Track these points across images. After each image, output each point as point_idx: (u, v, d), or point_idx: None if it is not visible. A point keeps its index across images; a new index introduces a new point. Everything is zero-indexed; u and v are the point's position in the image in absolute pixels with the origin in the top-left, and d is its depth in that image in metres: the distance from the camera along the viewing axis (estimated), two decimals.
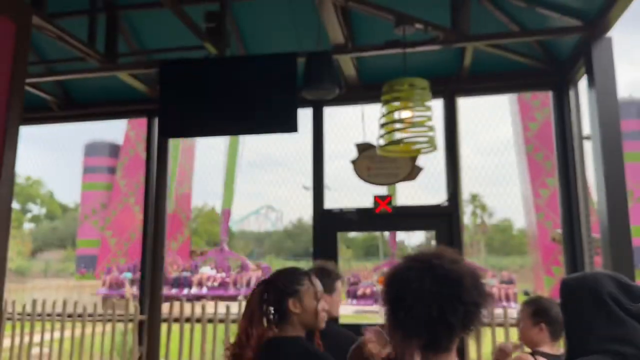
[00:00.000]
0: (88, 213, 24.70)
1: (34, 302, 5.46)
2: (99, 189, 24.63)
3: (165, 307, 5.19)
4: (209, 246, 34.95)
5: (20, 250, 36.89)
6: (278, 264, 35.89)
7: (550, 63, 4.24)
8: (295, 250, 42.35)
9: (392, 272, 1.37)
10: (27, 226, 44.11)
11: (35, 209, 46.14)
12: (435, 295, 1.25)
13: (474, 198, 38.50)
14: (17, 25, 2.97)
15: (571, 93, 4.23)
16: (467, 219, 39.25)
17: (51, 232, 40.78)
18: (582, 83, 3.89)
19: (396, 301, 1.31)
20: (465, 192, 37.21)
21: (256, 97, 3.78)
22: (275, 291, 1.94)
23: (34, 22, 3.19)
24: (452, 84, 4.41)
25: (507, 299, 16.72)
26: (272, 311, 1.95)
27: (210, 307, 5.26)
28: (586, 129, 3.97)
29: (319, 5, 3.21)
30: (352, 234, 38.00)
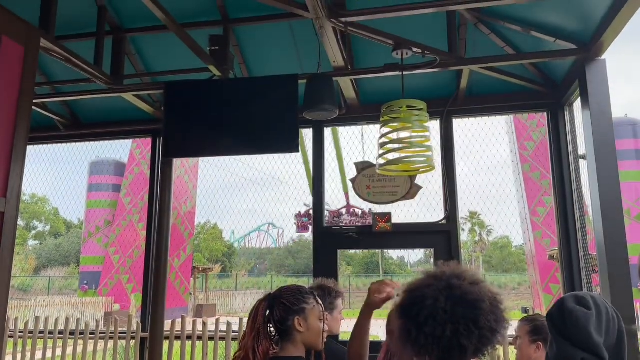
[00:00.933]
0: (92, 230, 24.75)
1: (37, 319, 5.51)
2: (104, 206, 24.71)
3: (167, 324, 5.22)
4: (211, 263, 34.89)
5: (23, 267, 36.89)
6: (279, 281, 35.74)
7: (546, 85, 4.33)
8: (296, 267, 42.19)
9: (410, 287, 1.34)
10: (31, 243, 44.20)
11: (40, 226, 46.29)
12: (450, 315, 1.22)
13: (473, 215, 38.43)
14: (25, 47, 3.07)
15: (566, 114, 4.31)
16: (465, 236, 39.17)
17: (55, 249, 40.82)
18: (577, 104, 3.97)
19: (410, 316, 1.28)
20: (464, 209, 37.15)
21: (258, 117, 3.86)
22: (282, 308, 1.92)
23: (42, 44, 3.29)
24: (449, 105, 4.50)
25: None
26: (275, 328, 1.93)
27: (211, 324, 5.29)
28: (582, 149, 4.04)
29: (320, 30, 3.31)
30: (352, 251, 37.91)
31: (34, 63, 3.15)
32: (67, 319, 5.54)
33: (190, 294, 24.22)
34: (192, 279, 24.44)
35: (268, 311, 1.93)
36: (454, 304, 1.23)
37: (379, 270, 39.65)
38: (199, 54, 3.72)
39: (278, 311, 1.92)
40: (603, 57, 3.60)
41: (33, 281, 34.92)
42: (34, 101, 4.13)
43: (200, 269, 25.51)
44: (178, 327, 5.14)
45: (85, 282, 24.32)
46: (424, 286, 1.30)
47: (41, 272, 37.93)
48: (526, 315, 2.99)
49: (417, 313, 1.26)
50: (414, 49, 3.67)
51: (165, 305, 4.79)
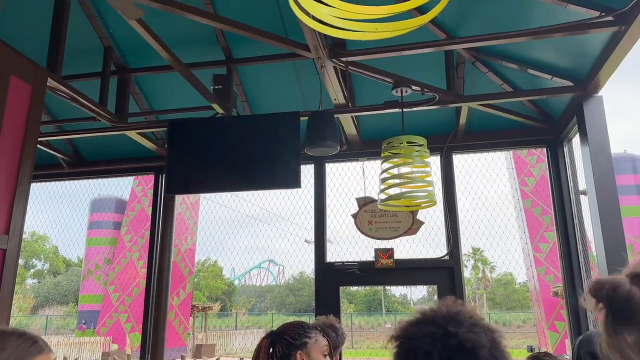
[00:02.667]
0: (92, 268, 24.55)
1: None
2: (104, 244, 24.60)
3: None
4: (210, 301, 34.44)
5: (21, 307, 36.43)
6: (280, 319, 35.20)
7: (544, 121, 4.38)
8: (297, 305, 41.61)
9: (403, 333, 1.23)
10: (30, 282, 43.77)
11: (39, 265, 45.96)
12: None
13: (475, 252, 38.18)
14: (32, 87, 3.13)
15: (566, 149, 4.35)
16: (468, 272, 38.80)
17: (54, 287, 40.40)
18: (576, 139, 4.02)
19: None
20: (467, 246, 36.96)
21: (260, 154, 3.91)
22: (284, 343, 1.93)
23: (49, 84, 3.36)
24: (448, 141, 4.55)
25: None
26: None
27: None
28: (582, 184, 4.05)
29: (321, 69, 3.38)
30: (354, 288, 37.47)
31: (41, 102, 3.21)
32: (65, 359, 5.44)
33: (189, 333, 23.82)
34: (191, 318, 24.08)
35: (271, 348, 1.94)
36: (450, 354, 1.13)
37: (382, 309, 39.10)
38: (203, 92, 3.79)
39: (280, 347, 1.93)
40: (600, 93, 3.66)
41: (30, 321, 34.40)
42: (38, 139, 4.19)
43: (200, 307, 25.15)
44: None
45: (84, 321, 23.96)
46: (419, 335, 1.19)
47: (39, 312, 37.42)
48: (532, 353, 2.94)
49: None
50: (413, 87, 3.74)
51: (165, 345, 4.73)
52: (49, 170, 5.38)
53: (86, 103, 3.80)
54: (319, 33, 3.07)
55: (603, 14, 2.88)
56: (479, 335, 1.15)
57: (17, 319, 33.43)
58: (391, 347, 1.23)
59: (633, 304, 0.85)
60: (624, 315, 0.85)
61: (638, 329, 0.84)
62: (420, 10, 2.91)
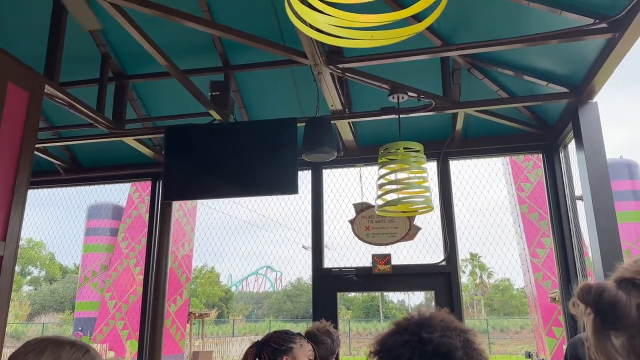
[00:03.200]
0: (88, 275, 24.46)
1: None
2: (101, 250, 24.52)
3: None
4: (208, 308, 34.31)
5: (17, 314, 36.22)
6: (277, 326, 35.07)
7: (540, 127, 4.41)
8: (294, 312, 41.48)
9: (380, 345, 1.28)
10: (26, 289, 43.55)
11: (35, 272, 45.73)
12: None
13: (473, 258, 38.18)
14: (30, 93, 3.14)
15: (562, 155, 4.37)
16: (466, 278, 38.78)
17: (50, 294, 40.19)
18: (572, 145, 4.04)
19: None
20: (465, 251, 36.94)
21: (257, 160, 3.92)
22: (269, 350, 1.97)
23: (47, 90, 3.37)
24: (445, 147, 4.57)
25: None
26: None
27: None
28: (578, 190, 4.07)
29: (318, 75, 3.40)
30: (352, 295, 37.39)
31: (38, 109, 3.21)
32: None
33: (187, 340, 23.70)
34: (188, 324, 23.99)
35: (257, 358, 1.98)
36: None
37: (379, 315, 39.02)
38: (200, 99, 3.81)
39: (266, 354, 1.97)
40: (595, 99, 3.69)
41: (27, 328, 34.20)
42: (36, 145, 4.19)
43: (197, 314, 25.06)
44: None
45: (80, 328, 23.83)
46: (396, 344, 1.23)
47: (35, 319, 37.21)
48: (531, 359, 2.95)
49: None
50: (410, 93, 3.76)
51: (162, 352, 4.71)
52: (46, 177, 5.37)
53: (83, 109, 3.81)
54: (316, 40, 3.09)
55: (597, 21, 2.90)
56: (452, 338, 1.19)
57: (13, 327, 33.23)
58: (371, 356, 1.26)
59: (619, 308, 0.87)
60: (610, 320, 0.88)
61: (624, 332, 0.86)
62: (416, 17, 2.94)
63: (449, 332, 1.21)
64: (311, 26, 1.69)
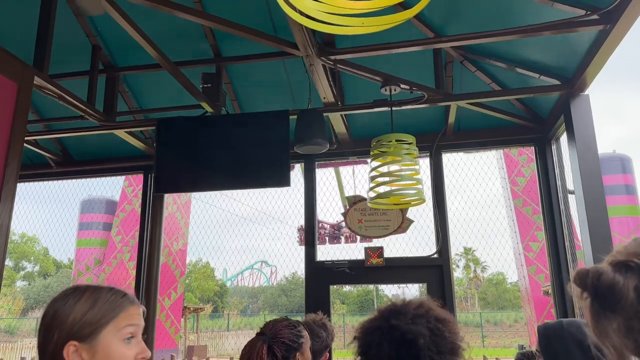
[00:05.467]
0: (82, 269, 24.38)
1: None
2: (94, 245, 24.43)
3: None
4: (202, 303, 34.29)
5: (10, 309, 36.09)
6: None
7: (532, 120, 4.41)
8: (289, 306, 41.55)
9: (360, 330, 1.37)
10: (20, 284, 43.38)
11: (29, 267, 45.54)
12: (394, 358, 1.25)
13: (467, 252, 38.34)
14: (19, 85, 3.11)
15: (554, 148, 4.38)
16: (460, 272, 38.94)
17: (44, 289, 40.04)
18: (564, 138, 4.04)
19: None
20: (458, 246, 37.05)
21: (250, 152, 3.90)
22: (283, 347, 1.92)
23: (36, 82, 3.33)
24: (437, 140, 4.56)
25: None
26: None
27: None
28: (570, 183, 4.08)
29: (310, 67, 3.38)
30: (347, 289, 37.47)
31: (27, 100, 3.18)
32: None
33: (181, 335, 23.72)
34: (182, 319, 23.98)
35: (269, 352, 1.91)
36: (396, 347, 1.25)
37: (374, 309, 39.08)
38: (192, 91, 3.78)
39: (279, 351, 1.91)
40: (587, 92, 3.69)
41: (20, 323, 34.11)
42: (26, 138, 4.15)
43: (192, 309, 25.06)
44: None
45: None
46: (371, 329, 1.32)
47: (29, 314, 37.09)
48: (523, 350, 2.96)
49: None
50: (402, 86, 3.75)
51: (155, 346, 4.71)
52: (37, 170, 5.34)
53: (74, 102, 3.77)
54: (308, 31, 3.07)
55: (589, 12, 2.90)
56: (419, 326, 1.26)
57: (7, 322, 33.14)
58: (354, 345, 1.35)
59: (616, 291, 0.87)
60: (608, 302, 0.88)
61: (622, 314, 0.86)
62: (404, 5, 2.92)
63: (419, 320, 1.27)
64: (302, 13, 1.68)
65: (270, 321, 2.06)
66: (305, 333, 2.01)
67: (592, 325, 0.93)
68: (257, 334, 2.00)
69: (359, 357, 1.33)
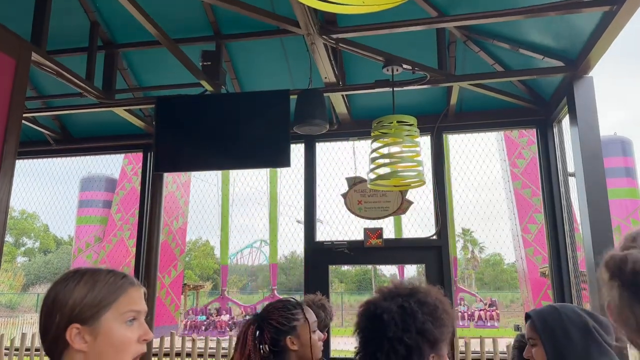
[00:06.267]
0: (82, 247, 24.49)
1: (24, 336, 5.42)
2: (94, 222, 24.49)
3: (155, 342, 5.15)
4: (202, 280, 34.52)
5: (11, 284, 36.36)
6: (270, 298, 35.30)
7: (535, 102, 4.37)
8: (288, 285, 41.87)
9: (359, 310, 1.48)
10: (20, 260, 43.63)
11: (30, 243, 45.75)
12: (370, 334, 1.37)
13: (465, 232, 38.47)
14: (16, 61, 3.07)
15: (555, 130, 4.35)
16: (458, 253, 39.12)
17: (44, 265, 40.30)
18: (566, 121, 4.02)
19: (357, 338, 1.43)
20: (457, 227, 37.12)
21: (249, 132, 3.87)
22: (272, 329, 1.87)
23: (34, 58, 3.29)
24: (439, 121, 4.53)
25: (492, 318, 21.29)
26: (267, 349, 1.87)
27: (200, 342, 5.23)
28: (571, 166, 4.07)
29: (311, 46, 3.34)
30: (345, 268, 37.65)
31: (25, 77, 3.14)
32: None
33: (181, 312, 23.95)
34: (182, 296, 24.19)
35: (258, 332, 1.88)
36: (370, 320, 1.38)
37: (372, 288, 39.45)
38: (191, 69, 3.74)
39: (268, 333, 1.87)
40: (590, 74, 3.65)
41: (21, 298, 34.40)
42: (25, 115, 4.12)
43: (191, 286, 25.28)
44: (167, 345, 5.08)
45: None
46: (361, 308, 1.45)
47: (29, 289, 37.38)
48: (520, 332, 2.98)
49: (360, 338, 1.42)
50: (405, 66, 3.70)
51: (155, 322, 4.74)
52: (36, 147, 5.32)
53: (72, 79, 3.74)
54: (309, 9, 3.02)
55: None
56: (390, 303, 1.36)
57: (8, 297, 33.41)
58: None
59: None
60: None
61: None
62: None
63: (395, 298, 1.38)
64: None
65: (270, 303, 2.02)
66: (301, 316, 1.92)
67: (618, 312, 0.92)
68: (254, 314, 1.98)
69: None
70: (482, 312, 21.64)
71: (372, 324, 1.36)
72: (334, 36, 3.41)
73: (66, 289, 1.18)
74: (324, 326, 2.68)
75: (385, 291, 1.42)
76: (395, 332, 1.31)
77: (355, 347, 1.42)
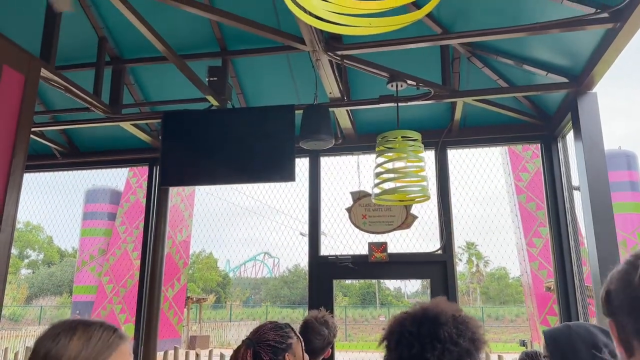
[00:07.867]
0: (86, 259, 24.49)
1: (27, 349, 5.41)
2: (98, 235, 24.51)
3: (159, 356, 5.14)
4: (205, 293, 34.44)
5: (15, 296, 36.34)
6: (274, 311, 35.24)
7: (539, 117, 4.39)
8: (291, 298, 41.68)
9: (388, 322, 1.48)
10: (24, 272, 43.63)
11: (34, 255, 45.80)
12: (415, 335, 1.33)
13: (470, 246, 38.32)
14: (25, 76, 3.11)
15: (560, 145, 4.36)
16: (462, 267, 38.95)
17: (48, 278, 40.29)
18: (570, 135, 4.03)
19: (386, 345, 1.41)
20: (461, 240, 37.03)
21: (255, 147, 3.90)
22: (270, 350, 1.91)
23: (42, 74, 3.34)
24: (443, 136, 4.55)
25: None
26: None
27: (204, 356, 5.21)
28: (575, 180, 4.07)
29: (317, 62, 3.37)
30: (349, 282, 37.52)
31: (34, 92, 3.18)
32: None
33: (184, 325, 23.86)
34: (185, 309, 24.11)
35: (260, 355, 1.91)
36: (418, 323, 1.36)
37: (376, 301, 39.25)
38: (198, 84, 3.78)
39: (266, 355, 1.90)
40: (594, 90, 3.67)
41: (24, 311, 34.36)
42: (32, 129, 4.16)
43: (194, 299, 25.20)
44: (170, 359, 5.06)
45: (78, 311, 23.94)
46: (394, 322, 1.43)
47: (33, 302, 37.35)
48: (526, 349, 2.96)
49: (389, 340, 1.40)
50: (409, 82, 3.74)
51: (158, 336, 4.73)
52: (43, 161, 5.36)
53: (80, 94, 3.78)
54: (315, 27, 3.06)
55: (598, 10, 2.88)
56: (441, 307, 1.39)
57: (11, 309, 33.37)
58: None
59: None
60: None
61: None
62: (416, 4, 2.91)
63: (438, 306, 1.40)
64: (309, 13, 1.67)
65: (260, 327, 2.06)
66: (293, 334, 1.99)
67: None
68: (243, 340, 1.99)
69: (385, 346, 1.41)
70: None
71: (423, 328, 1.33)
72: (339, 53, 3.44)
73: (59, 345, 1.16)
74: (328, 343, 2.66)
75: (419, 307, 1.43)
76: (450, 334, 1.31)
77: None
